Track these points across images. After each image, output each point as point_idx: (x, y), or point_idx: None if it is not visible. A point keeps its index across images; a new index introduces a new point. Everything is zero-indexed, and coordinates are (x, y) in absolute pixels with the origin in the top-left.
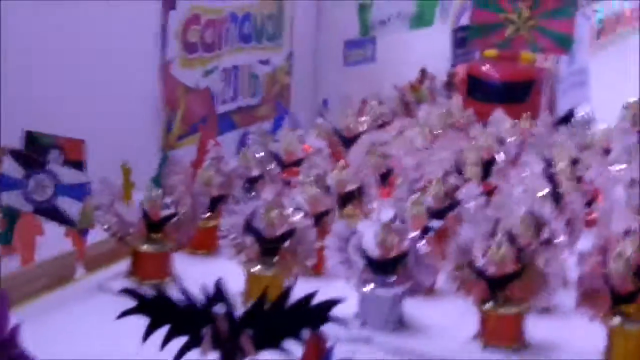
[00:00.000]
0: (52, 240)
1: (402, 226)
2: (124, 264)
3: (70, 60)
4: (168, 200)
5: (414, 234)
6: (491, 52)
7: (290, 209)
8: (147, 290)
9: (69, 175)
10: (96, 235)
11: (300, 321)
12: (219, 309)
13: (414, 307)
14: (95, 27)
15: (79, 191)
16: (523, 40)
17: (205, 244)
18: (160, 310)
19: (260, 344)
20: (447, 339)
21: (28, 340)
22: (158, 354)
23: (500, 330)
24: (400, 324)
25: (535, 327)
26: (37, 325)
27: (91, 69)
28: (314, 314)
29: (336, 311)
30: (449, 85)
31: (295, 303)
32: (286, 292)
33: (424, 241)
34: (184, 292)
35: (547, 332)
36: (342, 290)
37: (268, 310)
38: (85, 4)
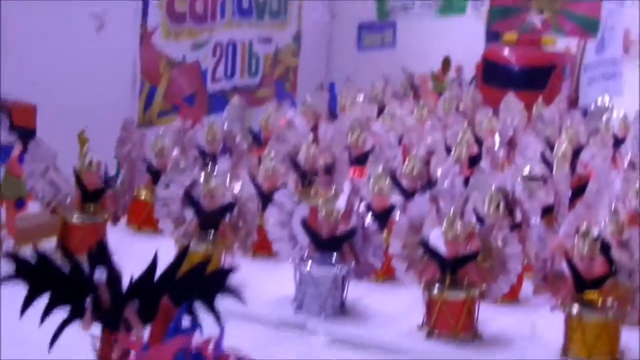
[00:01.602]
0: None
1: (352, 201)
2: None
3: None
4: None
5: (361, 209)
6: (511, 35)
7: (227, 180)
8: (31, 255)
9: None
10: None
11: (191, 292)
12: (100, 275)
13: (361, 292)
14: None
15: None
16: (546, 24)
17: (152, 220)
18: (42, 277)
19: (148, 317)
20: (389, 327)
21: None
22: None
23: (447, 318)
24: (341, 309)
25: (493, 318)
26: None
27: (66, 32)
28: (207, 285)
29: (275, 294)
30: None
31: (186, 273)
32: (177, 261)
33: (371, 218)
34: (70, 257)
35: (505, 323)
36: (289, 273)
37: (157, 281)
38: None
